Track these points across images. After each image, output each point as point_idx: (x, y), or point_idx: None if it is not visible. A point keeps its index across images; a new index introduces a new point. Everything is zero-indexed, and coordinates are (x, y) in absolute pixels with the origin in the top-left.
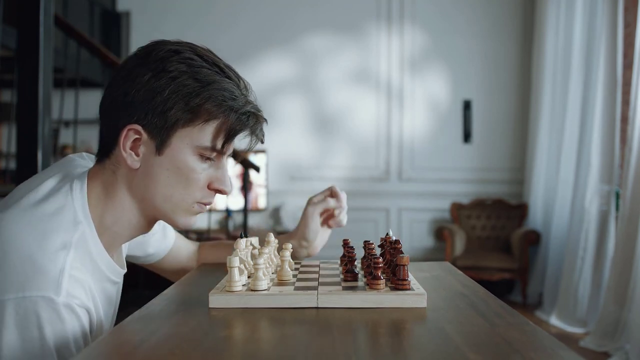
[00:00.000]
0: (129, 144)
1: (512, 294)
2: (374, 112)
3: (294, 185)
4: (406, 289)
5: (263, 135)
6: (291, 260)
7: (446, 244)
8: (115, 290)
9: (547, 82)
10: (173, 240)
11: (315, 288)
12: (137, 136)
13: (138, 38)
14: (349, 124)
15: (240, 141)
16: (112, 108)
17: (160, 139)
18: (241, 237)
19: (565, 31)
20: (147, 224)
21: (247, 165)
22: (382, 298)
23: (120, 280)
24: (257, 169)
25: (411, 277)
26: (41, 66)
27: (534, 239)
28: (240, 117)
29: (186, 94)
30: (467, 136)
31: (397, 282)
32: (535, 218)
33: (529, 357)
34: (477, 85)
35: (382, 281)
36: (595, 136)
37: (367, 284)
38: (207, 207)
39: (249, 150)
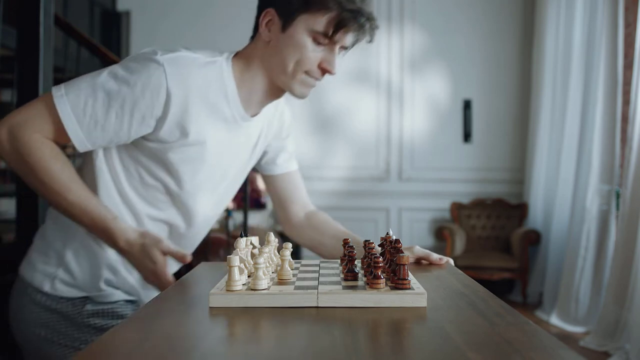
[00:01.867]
0: (265, 22)
1: (512, 293)
2: (374, 112)
3: None
4: (406, 289)
5: (372, 36)
6: (291, 260)
7: (446, 244)
8: (232, 131)
9: (547, 82)
10: (292, 169)
11: (315, 287)
12: (270, 17)
13: (138, 38)
14: (349, 124)
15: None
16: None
17: (285, 20)
18: (241, 237)
19: (565, 31)
20: (274, 90)
21: None
22: (382, 297)
23: (245, 126)
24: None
25: (411, 277)
26: (41, 66)
27: (534, 238)
28: (344, 12)
29: None
30: (467, 136)
31: (397, 282)
32: (535, 218)
33: (529, 356)
34: (477, 85)
35: (382, 280)
36: (595, 136)
37: (367, 284)
38: (315, 81)
39: (354, 43)
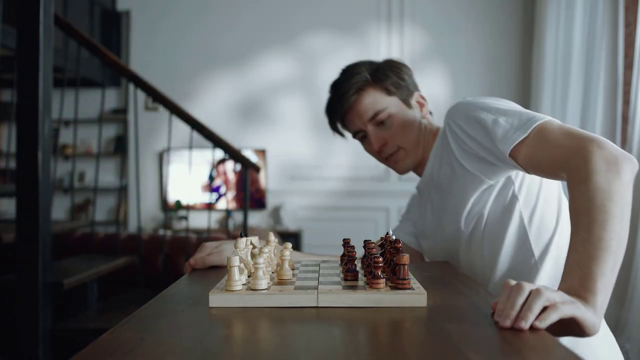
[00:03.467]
0: None
1: None
2: None
3: (294, 185)
4: (406, 289)
5: (349, 98)
6: (291, 260)
7: None
8: (414, 199)
9: (547, 82)
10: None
11: (315, 287)
12: None
13: (138, 38)
14: None
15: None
16: None
17: None
18: (241, 237)
19: (565, 31)
20: None
21: (246, 164)
22: (382, 297)
23: (426, 184)
24: (257, 168)
25: (411, 277)
26: (41, 66)
27: None
28: (334, 117)
29: None
30: None
31: (397, 282)
32: None
33: (529, 357)
34: (477, 85)
35: (382, 280)
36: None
37: (367, 284)
38: (390, 160)
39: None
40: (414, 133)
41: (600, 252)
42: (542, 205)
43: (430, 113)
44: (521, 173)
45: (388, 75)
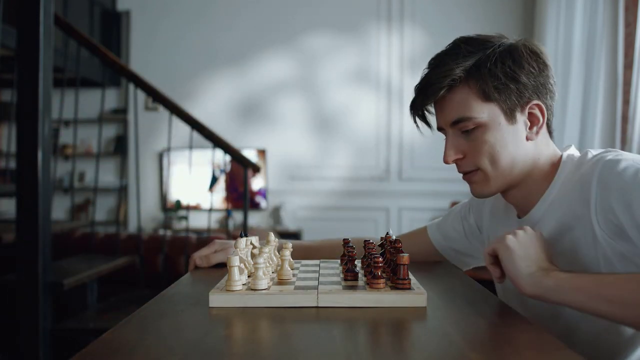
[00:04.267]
0: None
1: None
2: (374, 111)
3: (294, 185)
4: (406, 289)
5: (437, 89)
6: (291, 260)
7: None
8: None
9: None
10: None
11: (315, 287)
12: None
13: (138, 38)
14: (348, 123)
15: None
16: None
17: None
18: (241, 237)
19: (565, 31)
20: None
21: (246, 164)
22: (382, 297)
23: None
24: (257, 168)
25: (411, 277)
26: (41, 66)
27: None
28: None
29: None
30: None
31: (397, 282)
32: None
33: (529, 356)
34: None
35: (382, 280)
36: (596, 136)
37: (367, 284)
38: (467, 180)
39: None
40: (504, 157)
41: (601, 286)
42: None
43: (550, 132)
44: None
45: (495, 72)
